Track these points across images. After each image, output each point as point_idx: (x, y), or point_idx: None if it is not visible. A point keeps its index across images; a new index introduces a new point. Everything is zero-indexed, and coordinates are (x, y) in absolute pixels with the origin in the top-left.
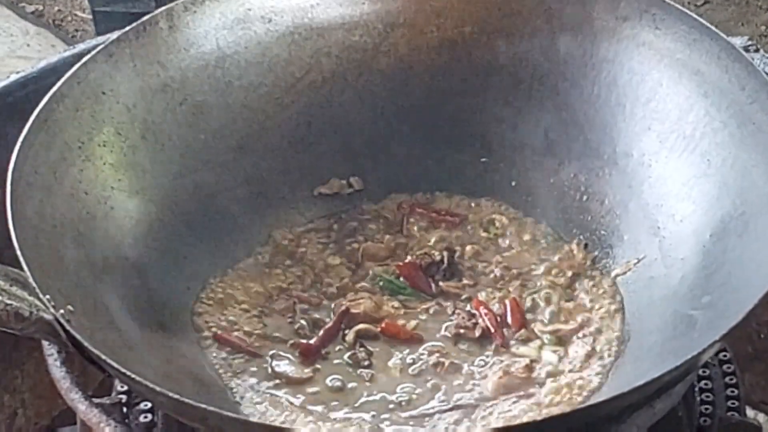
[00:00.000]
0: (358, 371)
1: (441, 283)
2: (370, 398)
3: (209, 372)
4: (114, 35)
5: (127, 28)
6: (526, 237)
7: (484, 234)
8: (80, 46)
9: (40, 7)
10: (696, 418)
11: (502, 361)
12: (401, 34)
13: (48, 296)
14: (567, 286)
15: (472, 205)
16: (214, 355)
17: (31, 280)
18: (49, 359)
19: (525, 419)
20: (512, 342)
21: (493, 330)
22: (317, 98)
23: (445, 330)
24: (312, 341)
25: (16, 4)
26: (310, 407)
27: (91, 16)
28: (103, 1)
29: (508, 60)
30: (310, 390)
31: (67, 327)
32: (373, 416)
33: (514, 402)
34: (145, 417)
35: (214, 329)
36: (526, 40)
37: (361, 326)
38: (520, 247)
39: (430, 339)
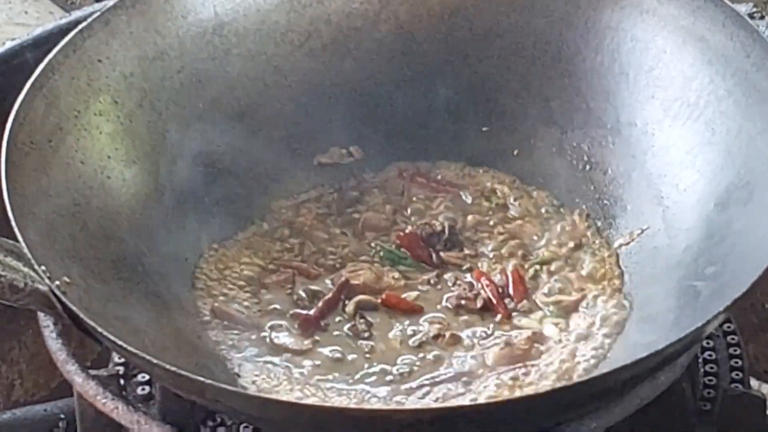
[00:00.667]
0: (358, 342)
1: (442, 254)
2: (370, 370)
3: (207, 344)
4: (111, 2)
5: None
6: (528, 207)
7: (485, 204)
8: (76, 14)
9: None
10: (699, 390)
11: (503, 333)
12: (402, 1)
13: (43, 267)
14: (569, 257)
15: (474, 174)
16: (213, 326)
17: (26, 251)
18: (45, 331)
19: (526, 392)
20: (514, 313)
21: (494, 301)
22: (316, 66)
23: (446, 301)
24: (311, 313)
25: None
26: (309, 379)
27: None
28: None
29: (509, 27)
30: (310, 362)
31: (63, 299)
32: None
33: (516, 374)
34: (143, 389)
35: (212, 300)
36: (528, 7)
37: (361, 297)
38: (522, 218)
39: (431, 310)
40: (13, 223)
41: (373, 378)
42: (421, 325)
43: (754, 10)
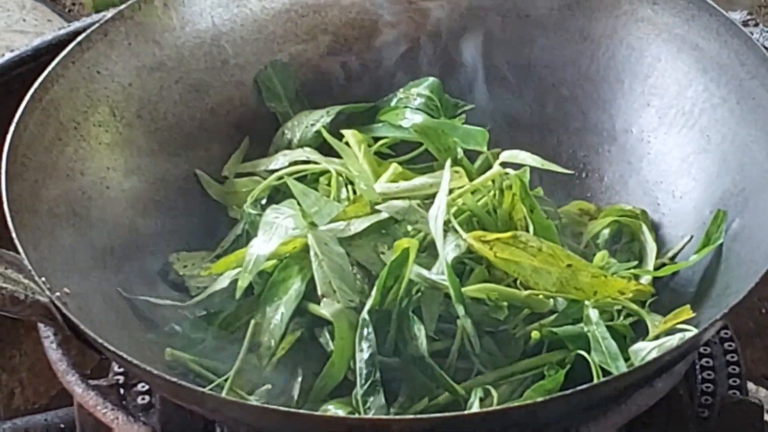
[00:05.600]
0: None
1: None
2: None
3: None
4: (109, 14)
5: (122, 6)
6: None
7: None
8: (75, 25)
9: None
10: (697, 396)
11: None
12: (397, 11)
13: (44, 278)
14: None
15: None
16: None
17: (26, 262)
18: (45, 341)
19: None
20: None
21: None
22: (314, 76)
23: None
24: None
25: None
26: None
27: None
28: None
29: (505, 36)
30: None
31: (63, 310)
32: None
33: None
34: (143, 399)
35: None
36: (523, 15)
37: None
38: None
39: None
40: (14, 235)
41: None
42: None
43: (749, 17)
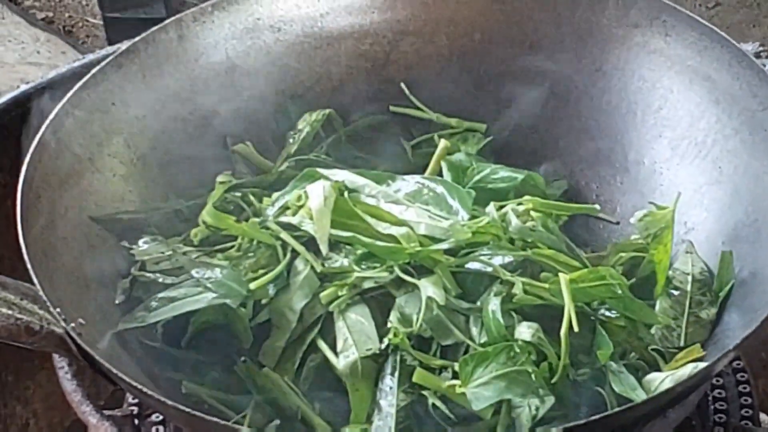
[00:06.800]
0: None
1: None
2: None
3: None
4: (123, 46)
5: (137, 39)
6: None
7: None
8: (89, 57)
9: (51, 14)
10: (710, 427)
11: None
12: (411, 42)
13: (58, 309)
14: None
15: None
16: None
17: (41, 293)
18: (60, 372)
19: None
20: None
21: None
22: (327, 107)
23: None
24: None
25: (26, 11)
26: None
27: (101, 22)
28: (113, 7)
29: (517, 68)
30: None
31: (78, 340)
32: None
33: None
34: (157, 429)
35: None
36: (536, 47)
37: None
38: None
39: None
40: (29, 265)
41: None
42: None
43: (761, 49)
